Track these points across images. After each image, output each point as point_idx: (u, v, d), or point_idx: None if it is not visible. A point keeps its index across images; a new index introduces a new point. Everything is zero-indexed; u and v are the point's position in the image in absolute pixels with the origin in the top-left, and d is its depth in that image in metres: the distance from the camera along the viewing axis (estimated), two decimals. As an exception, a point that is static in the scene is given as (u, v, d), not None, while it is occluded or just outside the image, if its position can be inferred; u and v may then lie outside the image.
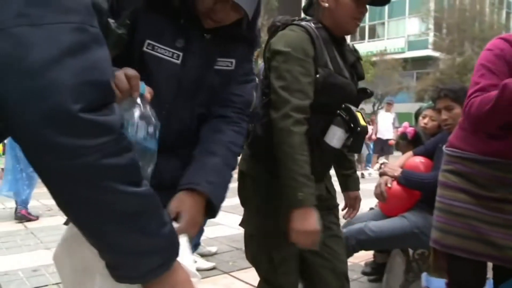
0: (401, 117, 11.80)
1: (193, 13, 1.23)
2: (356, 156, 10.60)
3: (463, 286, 1.79)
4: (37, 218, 4.90)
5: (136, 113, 0.99)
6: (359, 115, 1.60)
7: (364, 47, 30.08)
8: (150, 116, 1.03)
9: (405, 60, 28.30)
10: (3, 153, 7.14)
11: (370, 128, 10.98)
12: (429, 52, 28.40)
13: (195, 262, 2.96)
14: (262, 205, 1.67)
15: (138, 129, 0.98)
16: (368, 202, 3.56)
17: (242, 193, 1.74)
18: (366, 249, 2.73)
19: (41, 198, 5.48)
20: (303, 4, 1.87)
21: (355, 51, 1.80)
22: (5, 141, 3.77)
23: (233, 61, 1.35)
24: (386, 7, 33.16)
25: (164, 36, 1.23)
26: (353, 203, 2.07)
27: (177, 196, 1.19)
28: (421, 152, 2.71)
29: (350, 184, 2.04)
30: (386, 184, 2.56)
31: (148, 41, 1.21)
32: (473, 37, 25.46)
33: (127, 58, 1.20)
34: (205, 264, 3.37)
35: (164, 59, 1.24)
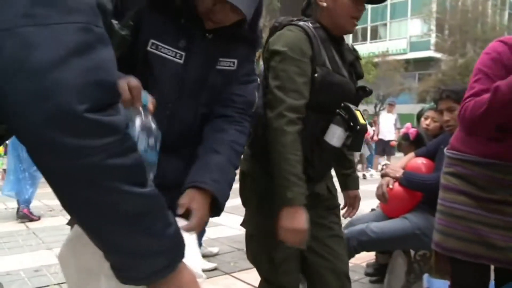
0: (403, 118, 11.79)
1: (194, 13, 1.23)
2: (358, 157, 10.56)
3: None
4: (38, 218, 4.91)
5: (137, 124, 0.99)
6: (358, 113, 1.61)
7: (366, 48, 30.07)
8: (151, 127, 1.03)
9: (407, 61, 28.26)
10: (5, 154, 7.15)
11: (371, 129, 11.01)
12: (431, 53, 28.38)
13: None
14: (262, 205, 1.67)
15: (139, 140, 0.98)
16: (369, 203, 3.56)
17: (243, 193, 1.74)
18: (368, 250, 2.73)
19: (42, 198, 5.49)
20: (305, 5, 1.87)
21: (354, 50, 1.80)
22: (7, 141, 3.77)
23: (235, 61, 1.36)
24: (388, 8, 33.21)
25: (167, 36, 1.24)
26: (352, 202, 2.07)
27: (187, 193, 1.20)
28: (422, 153, 2.71)
29: (350, 183, 2.05)
30: (387, 185, 2.55)
31: (152, 40, 1.22)
32: (475, 38, 25.43)
33: (130, 58, 1.21)
34: (206, 264, 3.37)
35: (167, 58, 1.25)
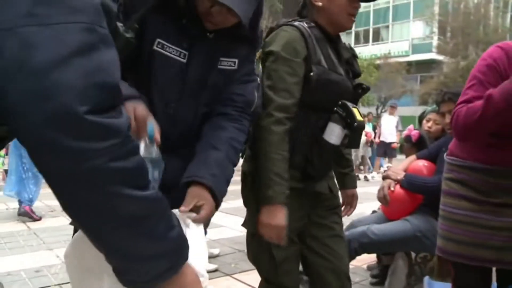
0: (404, 121, 11.78)
1: (195, 14, 1.24)
2: (360, 159, 10.54)
3: None
4: (40, 218, 4.91)
5: (141, 153, 0.98)
6: (355, 110, 1.62)
7: (368, 50, 30.10)
8: (156, 159, 1.02)
9: (409, 63, 28.25)
10: (6, 154, 7.16)
11: (372, 132, 11.03)
12: (433, 55, 28.36)
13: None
14: None
15: None
16: (371, 205, 3.56)
17: (244, 193, 1.75)
18: (369, 252, 2.72)
19: (44, 199, 5.49)
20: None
21: (350, 48, 1.82)
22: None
23: (236, 61, 1.37)
24: (390, 10, 33.22)
25: (171, 36, 1.25)
26: (350, 200, 2.08)
27: (193, 189, 1.20)
28: (424, 156, 2.71)
29: (348, 182, 2.05)
30: (389, 188, 2.55)
31: (158, 39, 1.23)
32: (478, 40, 25.39)
33: (135, 58, 1.21)
34: (207, 266, 3.36)
35: (172, 58, 1.26)
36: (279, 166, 1.51)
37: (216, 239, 4.21)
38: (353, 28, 35.70)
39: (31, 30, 0.59)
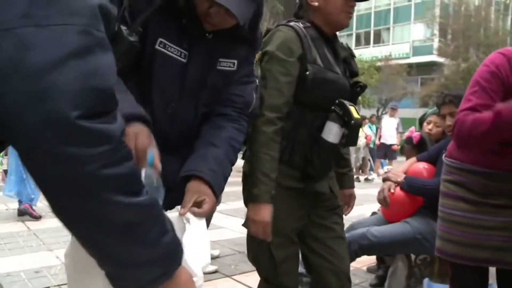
0: (405, 123, 11.78)
1: (195, 14, 1.25)
2: (360, 161, 10.53)
3: None
4: (40, 216, 4.90)
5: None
6: (352, 108, 1.63)
7: (369, 52, 30.10)
8: (158, 187, 1.02)
9: (410, 65, 28.25)
10: (5, 154, 7.15)
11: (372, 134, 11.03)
12: (434, 57, 28.36)
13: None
14: None
15: None
16: (371, 207, 3.56)
17: (244, 193, 1.75)
18: (369, 254, 2.72)
19: (43, 199, 5.48)
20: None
21: (348, 48, 1.84)
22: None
23: (235, 61, 1.38)
24: (391, 13, 33.24)
25: (172, 35, 1.26)
26: (347, 200, 2.08)
27: (193, 184, 1.21)
28: (424, 158, 2.71)
29: (346, 182, 2.06)
30: (389, 190, 2.55)
31: (160, 39, 1.24)
32: (478, 43, 25.39)
33: (137, 58, 1.22)
34: (207, 267, 3.36)
35: (173, 57, 1.27)
36: (266, 166, 1.54)
37: (216, 241, 4.20)
38: (354, 30, 35.74)
39: (28, 31, 0.59)
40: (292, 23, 1.67)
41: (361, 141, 10.87)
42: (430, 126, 2.91)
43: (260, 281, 1.82)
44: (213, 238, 4.20)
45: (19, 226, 4.67)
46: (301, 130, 1.66)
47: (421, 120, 3.14)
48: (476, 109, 1.56)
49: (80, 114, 0.60)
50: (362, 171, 11.62)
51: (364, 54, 27.91)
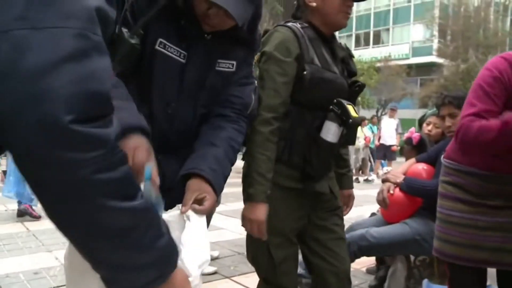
0: (404, 123, 11.79)
1: (193, 15, 1.25)
2: (360, 162, 10.53)
3: None
4: (39, 216, 4.89)
5: None
6: (350, 107, 1.64)
7: (369, 53, 30.13)
8: (156, 201, 1.02)
9: (409, 66, 28.27)
10: (4, 155, 7.14)
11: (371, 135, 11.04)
12: (433, 58, 28.39)
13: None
14: None
15: None
16: (371, 208, 3.56)
17: (244, 194, 1.76)
18: (368, 255, 2.72)
19: (43, 200, 5.48)
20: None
21: (346, 48, 1.85)
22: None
23: (234, 63, 1.38)
24: (391, 13, 33.28)
25: (171, 36, 1.26)
26: (346, 201, 2.08)
27: (193, 182, 1.20)
28: (423, 159, 2.70)
29: (345, 182, 2.06)
30: (388, 191, 2.55)
31: (160, 39, 1.24)
32: (478, 44, 25.42)
33: (138, 62, 1.22)
34: (206, 268, 3.36)
35: (172, 57, 1.27)
36: (261, 166, 1.56)
37: (215, 242, 4.20)
38: (354, 30, 35.75)
39: (24, 33, 0.58)
40: (289, 24, 1.68)
41: (361, 142, 10.88)
42: (429, 127, 2.91)
43: (259, 281, 1.82)
44: (212, 239, 4.19)
45: (18, 227, 4.66)
46: (299, 130, 1.66)
47: (421, 121, 3.14)
48: (481, 114, 1.55)
49: (74, 118, 0.59)
50: (362, 172, 11.62)
51: (363, 54, 27.93)
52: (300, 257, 1.86)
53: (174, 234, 1.06)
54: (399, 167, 2.81)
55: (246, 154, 1.68)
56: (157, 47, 1.24)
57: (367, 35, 35.20)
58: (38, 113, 0.58)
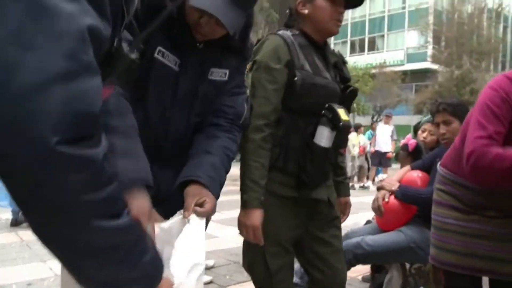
0: (399, 130, 11.82)
1: (185, 24, 1.26)
2: (356, 169, 10.57)
3: None
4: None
5: None
6: (340, 111, 1.66)
7: (364, 59, 30.26)
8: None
9: (404, 72, 28.42)
10: None
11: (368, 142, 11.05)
12: (428, 64, 28.55)
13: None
14: None
15: None
16: (367, 215, 3.55)
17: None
18: (364, 263, 2.71)
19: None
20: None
21: (339, 55, 1.89)
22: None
23: (227, 72, 1.39)
24: (386, 20, 33.49)
25: (167, 44, 1.27)
26: (343, 208, 2.09)
27: (191, 188, 1.22)
28: (418, 167, 2.71)
29: (341, 190, 2.06)
30: (383, 199, 2.54)
31: (159, 47, 1.25)
32: (471, 50, 25.61)
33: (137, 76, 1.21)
34: (202, 270, 3.33)
35: (168, 66, 1.28)
36: (254, 173, 1.58)
37: (211, 251, 4.18)
38: (349, 37, 35.96)
39: (13, 52, 0.57)
40: (280, 32, 1.71)
41: (356, 150, 10.90)
42: (424, 134, 2.91)
43: (255, 290, 1.82)
44: (207, 248, 4.14)
45: (11, 237, 4.61)
46: (293, 136, 1.67)
47: (416, 128, 3.15)
48: (492, 137, 1.52)
49: (61, 139, 0.58)
50: (359, 179, 11.62)
51: (358, 61, 28.05)
52: (296, 265, 1.86)
53: (172, 242, 1.06)
54: (394, 175, 2.81)
55: (241, 162, 1.69)
56: (156, 55, 1.25)
57: (362, 41, 35.40)
58: (25, 133, 0.57)
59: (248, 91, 1.55)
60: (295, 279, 2.09)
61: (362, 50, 35.06)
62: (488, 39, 26.90)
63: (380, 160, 10.83)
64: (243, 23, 1.29)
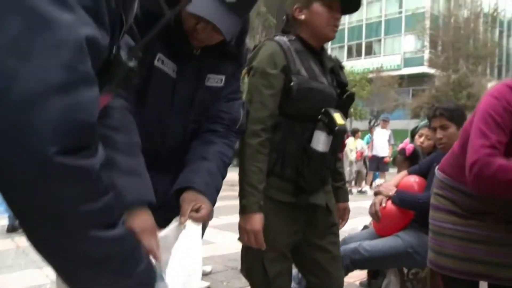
0: (396, 134, 11.82)
1: (182, 31, 1.26)
2: (354, 174, 10.55)
3: None
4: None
5: None
6: (336, 115, 1.66)
7: (361, 64, 30.35)
8: (159, 275, 1.03)
9: (401, 77, 28.51)
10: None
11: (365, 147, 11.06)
12: (424, 69, 28.66)
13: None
14: None
15: None
16: (364, 220, 3.54)
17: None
18: (361, 269, 2.71)
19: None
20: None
21: (337, 60, 1.90)
22: None
23: (223, 78, 1.40)
24: (382, 25, 33.63)
25: (166, 52, 1.28)
26: (342, 214, 2.09)
27: (188, 194, 1.23)
28: (415, 171, 2.71)
29: (340, 195, 2.06)
30: (380, 204, 2.54)
31: (159, 54, 1.26)
32: (468, 54, 25.72)
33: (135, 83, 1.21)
34: (200, 283, 3.31)
35: (167, 73, 1.29)
36: (252, 177, 1.58)
37: (208, 256, 4.16)
38: (346, 42, 36.07)
39: (11, 62, 0.57)
40: (277, 37, 1.72)
41: (353, 155, 10.90)
42: (421, 139, 2.92)
43: (253, 296, 1.81)
44: (205, 254, 4.13)
45: (7, 244, 4.58)
46: (290, 142, 1.68)
47: (413, 133, 3.15)
48: (495, 146, 1.52)
49: (59, 150, 0.59)
50: (357, 184, 11.61)
51: (355, 66, 28.13)
52: (294, 271, 1.86)
53: (169, 249, 1.05)
54: (391, 180, 2.81)
55: (239, 167, 1.69)
56: (156, 63, 1.26)
57: (359, 46, 35.52)
58: (23, 143, 0.57)
59: (244, 97, 1.55)
60: (293, 285, 2.08)
61: (359, 54, 35.18)
62: (484, 43, 27.04)
63: (377, 164, 10.84)
64: (239, 29, 1.30)
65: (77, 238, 0.64)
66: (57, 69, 0.59)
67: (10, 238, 4.76)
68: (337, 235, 1.90)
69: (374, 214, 2.55)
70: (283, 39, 1.70)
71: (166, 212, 1.20)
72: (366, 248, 2.51)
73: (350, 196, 2.17)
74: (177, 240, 1.10)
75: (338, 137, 1.69)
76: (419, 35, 29.20)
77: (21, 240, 4.68)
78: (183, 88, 1.33)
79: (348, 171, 10.64)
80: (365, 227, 3.15)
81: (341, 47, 35.32)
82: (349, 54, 35.33)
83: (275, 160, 1.66)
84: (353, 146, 10.89)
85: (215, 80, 1.38)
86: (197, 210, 1.19)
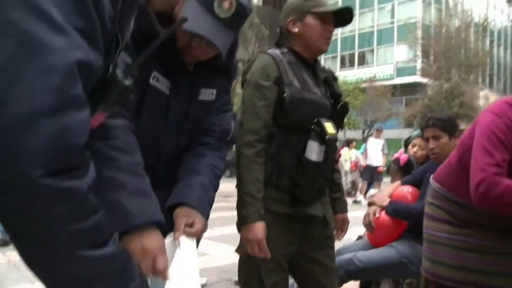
0: (390, 143, 11.85)
1: (176, 48, 1.26)
2: (349, 184, 10.57)
3: None
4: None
5: None
6: (327, 125, 1.68)
7: (354, 74, 30.54)
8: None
9: (394, 86, 28.67)
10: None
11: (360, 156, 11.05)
12: (417, 78, 28.85)
13: None
14: None
15: None
16: (358, 230, 3.53)
17: (238, 217, 1.76)
18: (355, 279, 2.69)
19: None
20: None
21: (330, 71, 1.92)
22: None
23: (214, 91, 1.41)
24: (375, 35, 33.90)
25: (160, 69, 1.28)
26: (341, 225, 2.10)
27: (181, 209, 1.24)
28: (408, 181, 2.71)
29: (338, 207, 2.07)
30: (374, 214, 2.54)
31: (154, 72, 1.26)
32: (459, 64, 25.92)
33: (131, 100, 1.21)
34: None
35: (161, 91, 1.29)
36: (250, 187, 1.59)
37: (203, 268, 4.13)
38: (339, 52, 36.31)
39: (1, 85, 0.58)
40: (270, 50, 1.74)
41: (348, 166, 10.91)
42: (414, 149, 2.93)
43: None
44: (199, 265, 4.11)
45: (-1, 258, 4.54)
46: (285, 152, 1.68)
47: (406, 143, 3.16)
48: (500, 165, 1.52)
49: (44, 172, 0.59)
50: (350, 194, 11.60)
51: (348, 76, 28.29)
52: (290, 281, 1.86)
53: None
54: (385, 190, 2.81)
55: (236, 179, 1.69)
56: (151, 81, 1.26)
57: (352, 56, 35.76)
58: (10, 165, 0.58)
59: (238, 109, 1.57)
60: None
61: (352, 64, 35.41)
62: (475, 52, 27.27)
63: (371, 174, 10.84)
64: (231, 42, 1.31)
65: (64, 258, 0.64)
66: (46, 93, 0.59)
67: (2, 252, 4.70)
68: (333, 248, 1.90)
69: (368, 224, 2.55)
70: (276, 51, 1.72)
71: (161, 228, 1.21)
72: (361, 258, 2.50)
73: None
74: (174, 258, 1.11)
75: (330, 146, 1.70)
76: (411, 45, 29.46)
77: (13, 255, 4.62)
78: (177, 104, 1.33)
79: (343, 181, 10.64)
80: (359, 237, 3.15)
81: (334, 57, 35.55)
82: (342, 64, 35.56)
83: (271, 170, 1.67)
84: (347, 156, 10.90)
85: (207, 94, 1.39)
86: (191, 225, 1.20)
